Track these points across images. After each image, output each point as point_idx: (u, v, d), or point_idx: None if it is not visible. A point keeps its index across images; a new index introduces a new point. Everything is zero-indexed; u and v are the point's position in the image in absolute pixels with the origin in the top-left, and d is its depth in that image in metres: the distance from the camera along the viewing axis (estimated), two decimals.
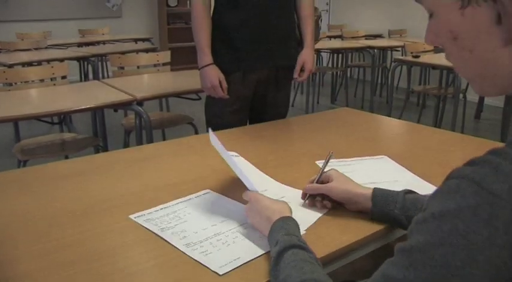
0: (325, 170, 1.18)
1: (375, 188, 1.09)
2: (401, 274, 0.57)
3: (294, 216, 1.00)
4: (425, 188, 1.28)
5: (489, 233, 0.51)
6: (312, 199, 1.18)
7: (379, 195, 1.07)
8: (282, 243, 0.87)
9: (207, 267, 0.92)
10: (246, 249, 0.98)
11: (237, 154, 1.44)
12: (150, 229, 1.07)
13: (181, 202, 1.21)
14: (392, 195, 1.06)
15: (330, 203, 1.15)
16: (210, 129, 1.27)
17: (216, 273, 0.90)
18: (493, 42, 0.58)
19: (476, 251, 0.52)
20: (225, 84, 2.02)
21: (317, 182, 1.17)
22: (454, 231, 0.53)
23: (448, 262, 0.53)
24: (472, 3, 0.58)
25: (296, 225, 0.96)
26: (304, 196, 1.19)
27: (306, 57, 2.14)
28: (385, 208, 1.06)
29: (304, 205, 1.18)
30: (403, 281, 0.56)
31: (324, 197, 1.15)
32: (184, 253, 0.97)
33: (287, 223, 0.95)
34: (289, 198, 1.18)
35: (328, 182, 1.15)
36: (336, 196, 1.13)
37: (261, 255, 0.96)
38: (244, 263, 0.94)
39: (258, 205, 1.03)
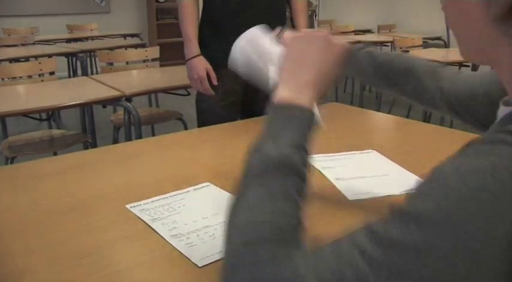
0: None
1: None
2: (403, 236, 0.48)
3: None
4: (414, 182, 1.29)
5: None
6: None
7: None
8: (279, 158, 0.64)
9: (188, 259, 0.92)
10: None
11: None
12: (142, 219, 1.07)
13: (179, 194, 1.21)
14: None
15: None
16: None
17: (196, 265, 0.90)
18: (478, 17, 0.58)
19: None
20: (213, 74, 1.99)
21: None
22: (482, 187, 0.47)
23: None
24: None
25: (310, 128, 0.69)
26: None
27: None
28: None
29: None
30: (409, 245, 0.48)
31: None
32: (170, 244, 0.97)
33: (303, 120, 0.69)
34: None
35: None
36: None
37: None
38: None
39: (311, 45, 0.78)
